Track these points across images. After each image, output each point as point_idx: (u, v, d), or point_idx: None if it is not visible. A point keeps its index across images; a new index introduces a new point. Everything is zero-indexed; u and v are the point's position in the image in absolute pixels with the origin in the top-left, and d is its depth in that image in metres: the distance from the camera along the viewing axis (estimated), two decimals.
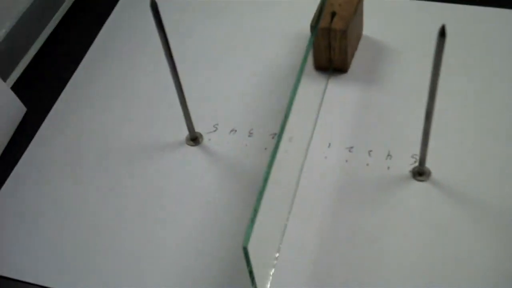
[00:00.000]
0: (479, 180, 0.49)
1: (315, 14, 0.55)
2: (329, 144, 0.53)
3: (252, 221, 0.39)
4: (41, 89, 0.62)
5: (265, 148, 0.53)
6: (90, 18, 0.68)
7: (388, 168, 0.50)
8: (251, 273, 0.40)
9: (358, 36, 0.59)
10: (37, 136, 0.57)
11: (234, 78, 0.59)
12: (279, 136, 0.43)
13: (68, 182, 0.53)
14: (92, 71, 0.63)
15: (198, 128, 0.55)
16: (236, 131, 0.55)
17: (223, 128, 0.55)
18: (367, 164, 0.51)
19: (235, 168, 0.52)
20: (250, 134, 0.55)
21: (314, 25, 0.51)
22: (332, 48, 0.56)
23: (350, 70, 0.58)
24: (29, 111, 0.60)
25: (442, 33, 0.38)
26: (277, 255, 0.47)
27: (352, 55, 0.58)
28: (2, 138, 0.57)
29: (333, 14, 0.55)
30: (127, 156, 0.54)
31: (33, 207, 0.52)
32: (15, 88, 0.60)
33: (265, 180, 0.41)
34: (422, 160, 0.48)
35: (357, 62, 0.58)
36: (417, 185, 0.49)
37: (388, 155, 0.51)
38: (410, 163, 0.50)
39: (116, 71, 0.62)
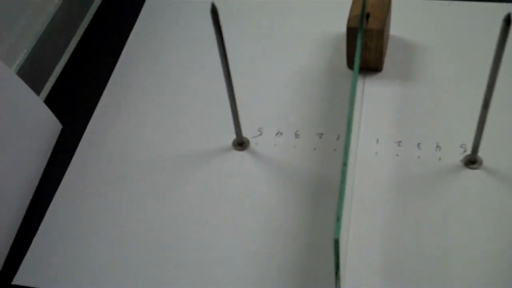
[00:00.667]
0: None
1: (351, 15, 0.56)
2: (377, 140, 0.54)
3: (339, 216, 0.39)
4: (74, 102, 0.61)
5: (314, 148, 0.54)
6: (117, 23, 0.68)
7: (440, 159, 0.52)
8: (337, 265, 0.41)
9: (387, 35, 0.61)
10: (77, 152, 0.56)
11: (271, 80, 0.60)
12: (347, 135, 0.44)
13: (116, 194, 0.53)
14: (126, 79, 0.62)
15: (243, 133, 0.55)
16: (282, 133, 0.55)
17: (268, 131, 0.56)
18: (418, 157, 0.52)
19: (285, 170, 0.53)
20: (297, 136, 0.55)
21: (359, 26, 0.53)
22: (367, 48, 0.57)
23: (384, 69, 0.59)
24: (65, 127, 0.59)
25: (508, 21, 0.40)
26: (346, 251, 0.47)
27: (385, 54, 0.60)
28: (41, 157, 0.56)
29: (368, 15, 0.56)
30: (174, 164, 0.54)
31: (84, 223, 0.51)
32: (46, 103, 0.59)
33: (343, 175, 0.42)
34: (475, 149, 0.50)
35: (389, 61, 0.60)
36: (470, 173, 0.51)
37: (437, 146, 0.53)
38: (460, 153, 0.52)
39: (149, 76, 0.62)
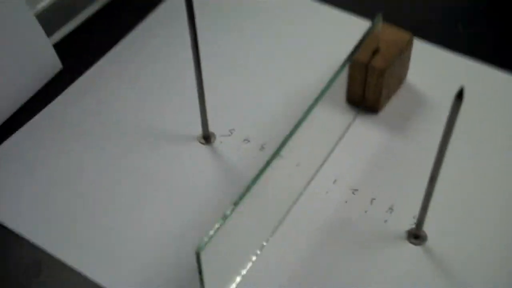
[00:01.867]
0: (477, 259, 0.46)
1: (362, 49, 0.53)
2: (335, 181, 0.51)
3: (217, 230, 0.38)
4: (83, 54, 0.63)
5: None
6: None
7: (385, 221, 0.48)
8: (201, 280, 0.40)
9: (400, 79, 0.57)
10: (60, 96, 0.58)
11: (261, 91, 0.58)
12: (276, 152, 0.42)
13: (76, 147, 0.54)
14: (132, 50, 0.63)
15: (212, 129, 0.54)
16: (249, 141, 0.54)
17: (237, 135, 0.54)
18: (366, 211, 0.49)
19: (237, 176, 0.52)
20: (262, 148, 0.53)
21: (349, 56, 0.50)
22: (367, 84, 0.54)
23: (382, 112, 0.56)
24: (64, 71, 0.61)
25: (460, 96, 0.36)
26: (248, 266, 0.46)
27: (388, 97, 0.56)
28: (29, 88, 0.58)
29: (376, 51, 0.53)
30: (138, 138, 0.55)
31: (37, 161, 0.53)
32: (57, 46, 0.61)
33: (245, 192, 0.40)
34: (419, 223, 0.46)
35: (391, 106, 0.56)
36: (409, 247, 0.47)
37: (390, 208, 0.49)
38: (410, 223, 0.48)
39: (150, 57, 0.62)
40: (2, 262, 0.48)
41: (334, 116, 0.55)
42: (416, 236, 0.47)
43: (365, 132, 0.54)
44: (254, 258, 0.46)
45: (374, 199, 0.50)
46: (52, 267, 0.47)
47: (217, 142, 0.54)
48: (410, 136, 0.54)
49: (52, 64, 0.60)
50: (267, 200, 0.48)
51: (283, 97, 0.57)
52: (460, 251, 0.46)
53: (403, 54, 0.54)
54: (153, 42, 0.63)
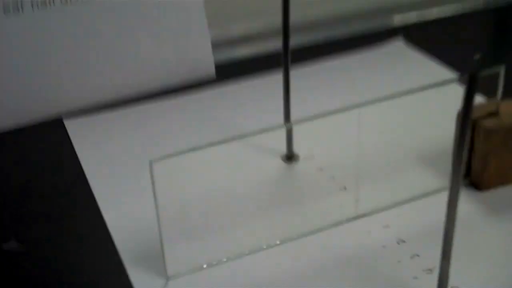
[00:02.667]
0: None
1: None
2: (386, 226, 0.43)
3: None
4: None
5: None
6: None
7: (415, 278, 0.38)
8: None
9: None
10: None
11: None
12: None
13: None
14: None
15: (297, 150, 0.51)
16: (322, 170, 0.50)
17: (317, 161, 0.51)
18: (399, 261, 0.40)
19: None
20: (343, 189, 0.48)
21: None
22: (473, 150, 0.46)
23: (488, 192, 0.46)
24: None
25: None
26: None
27: (504, 179, 0.46)
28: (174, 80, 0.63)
29: (494, 113, 0.45)
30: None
31: None
32: None
33: None
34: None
35: (506, 191, 0.46)
36: None
37: (429, 269, 0.39)
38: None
39: None
40: None
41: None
42: None
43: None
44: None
45: (418, 255, 0.40)
46: None
47: (299, 163, 0.51)
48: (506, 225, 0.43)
49: (206, 67, 0.64)
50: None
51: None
52: None
53: None
54: None
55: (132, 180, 0.49)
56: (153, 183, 0.36)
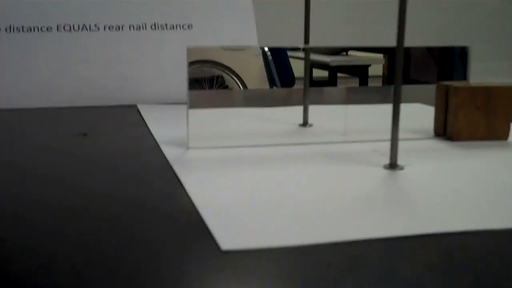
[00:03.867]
0: None
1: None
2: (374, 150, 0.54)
3: None
4: None
5: None
6: None
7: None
8: None
9: (493, 129, 0.57)
10: None
11: None
12: None
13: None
14: None
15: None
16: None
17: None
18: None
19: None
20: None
21: None
22: (448, 110, 0.57)
23: (461, 142, 0.56)
24: None
25: None
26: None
27: (473, 134, 0.56)
28: None
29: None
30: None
31: None
32: None
33: None
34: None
35: (476, 144, 0.56)
36: (382, 171, 0.46)
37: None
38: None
39: None
40: None
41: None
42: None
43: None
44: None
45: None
46: None
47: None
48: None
49: None
50: None
51: None
52: None
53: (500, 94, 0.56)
54: None
55: None
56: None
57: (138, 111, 0.72)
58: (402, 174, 0.46)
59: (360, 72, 2.96)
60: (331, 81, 2.96)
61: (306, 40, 0.64)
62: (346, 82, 3.36)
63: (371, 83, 3.16)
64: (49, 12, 0.77)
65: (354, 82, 3.10)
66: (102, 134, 0.63)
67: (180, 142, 0.54)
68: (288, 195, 0.40)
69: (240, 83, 1.69)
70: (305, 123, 0.65)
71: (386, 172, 0.46)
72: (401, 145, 0.46)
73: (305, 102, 0.64)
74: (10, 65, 0.76)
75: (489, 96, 0.56)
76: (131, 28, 0.79)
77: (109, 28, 0.79)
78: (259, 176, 0.45)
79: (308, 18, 0.63)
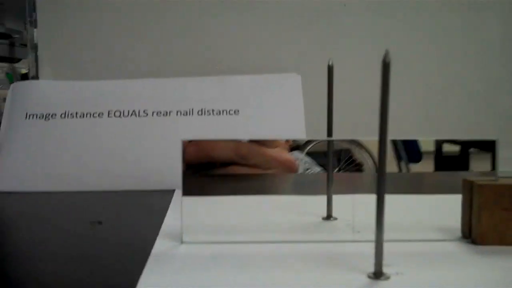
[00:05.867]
0: None
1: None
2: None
3: None
4: None
5: None
6: None
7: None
8: None
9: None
10: None
11: None
12: None
13: None
14: None
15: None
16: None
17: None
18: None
19: None
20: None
21: None
22: (472, 209, 0.51)
23: (485, 247, 0.50)
24: None
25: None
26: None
27: (503, 238, 0.50)
28: None
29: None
30: None
31: None
32: None
33: None
34: None
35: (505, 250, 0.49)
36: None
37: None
38: None
39: None
40: None
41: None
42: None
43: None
44: None
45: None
46: None
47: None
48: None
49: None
50: None
51: None
52: None
53: None
54: None
55: None
56: None
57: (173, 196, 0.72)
58: (383, 285, 0.41)
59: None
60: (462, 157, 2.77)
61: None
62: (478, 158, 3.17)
63: None
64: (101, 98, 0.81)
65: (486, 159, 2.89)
66: (117, 222, 0.63)
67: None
68: None
69: (368, 157, 1.55)
70: (328, 216, 0.61)
71: (366, 281, 0.41)
72: (411, 247, 0.42)
73: (329, 191, 0.60)
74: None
75: None
76: (178, 114, 0.81)
77: (157, 114, 0.81)
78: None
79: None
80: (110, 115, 0.80)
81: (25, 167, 0.77)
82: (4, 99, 0.82)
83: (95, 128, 0.80)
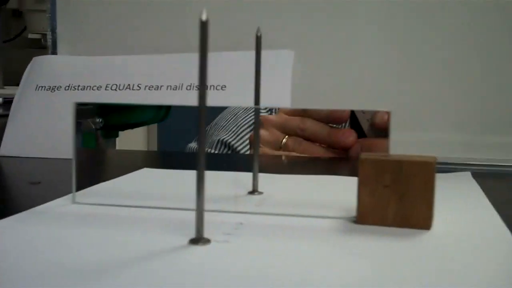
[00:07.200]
0: None
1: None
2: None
3: None
4: None
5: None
6: None
7: None
8: None
9: (408, 216, 0.45)
10: None
11: None
12: None
13: None
14: None
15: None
16: None
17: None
18: None
19: None
20: None
21: None
22: None
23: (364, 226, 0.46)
24: None
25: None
26: None
27: (380, 216, 0.45)
28: None
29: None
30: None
31: None
32: None
33: None
34: None
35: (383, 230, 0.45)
36: None
37: None
38: None
39: None
40: None
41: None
42: None
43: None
44: None
45: None
46: None
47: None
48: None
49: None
50: None
51: None
52: None
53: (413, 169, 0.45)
54: None
55: None
56: None
57: None
58: (198, 250, 0.40)
59: None
60: None
61: None
62: None
63: None
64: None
65: None
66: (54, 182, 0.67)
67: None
68: None
69: None
70: (254, 191, 0.60)
71: (183, 245, 0.40)
72: (290, 222, 0.41)
73: (254, 168, 0.59)
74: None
75: (401, 172, 0.45)
76: (168, 88, 0.83)
77: (149, 88, 0.84)
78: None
79: None
80: (107, 88, 0.84)
81: (28, 134, 0.84)
82: None
83: (93, 100, 0.85)
